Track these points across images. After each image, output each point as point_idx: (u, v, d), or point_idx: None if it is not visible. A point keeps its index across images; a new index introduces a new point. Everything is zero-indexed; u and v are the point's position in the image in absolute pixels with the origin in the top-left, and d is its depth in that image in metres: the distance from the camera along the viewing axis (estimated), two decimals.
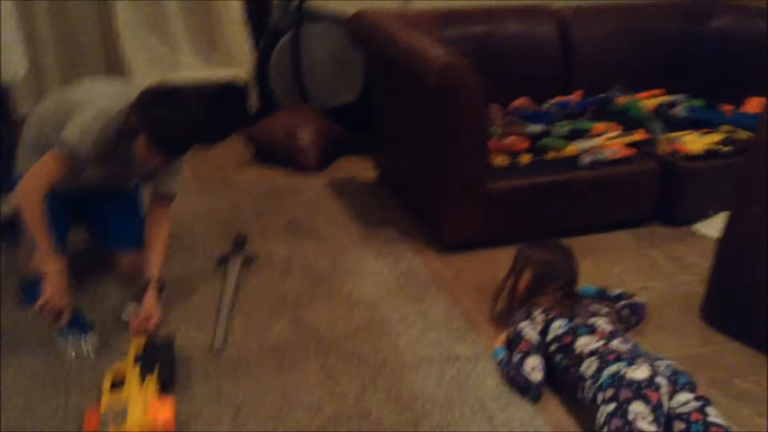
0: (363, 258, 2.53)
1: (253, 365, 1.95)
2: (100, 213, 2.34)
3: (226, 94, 3.64)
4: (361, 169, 3.33)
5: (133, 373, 1.79)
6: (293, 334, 2.09)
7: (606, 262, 2.55)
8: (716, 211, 2.71)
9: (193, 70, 3.77)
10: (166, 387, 1.80)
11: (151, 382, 1.76)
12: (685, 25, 3.42)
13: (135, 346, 1.90)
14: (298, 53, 3.54)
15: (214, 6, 3.70)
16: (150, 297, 2.08)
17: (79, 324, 2.02)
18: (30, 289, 2.10)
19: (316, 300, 2.27)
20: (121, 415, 1.66)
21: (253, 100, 3.79)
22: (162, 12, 3.71)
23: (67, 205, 2.22)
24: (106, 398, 1.72)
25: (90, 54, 3.67)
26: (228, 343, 2.04)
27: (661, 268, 2.53)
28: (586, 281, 2.30)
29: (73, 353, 1.98)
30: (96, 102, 2.01)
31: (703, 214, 2.83)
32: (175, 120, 1.94)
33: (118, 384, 1.77)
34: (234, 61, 3.79)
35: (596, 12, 3.38)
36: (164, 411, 1.70)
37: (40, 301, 1.90)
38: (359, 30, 2.96)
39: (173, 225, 2.26)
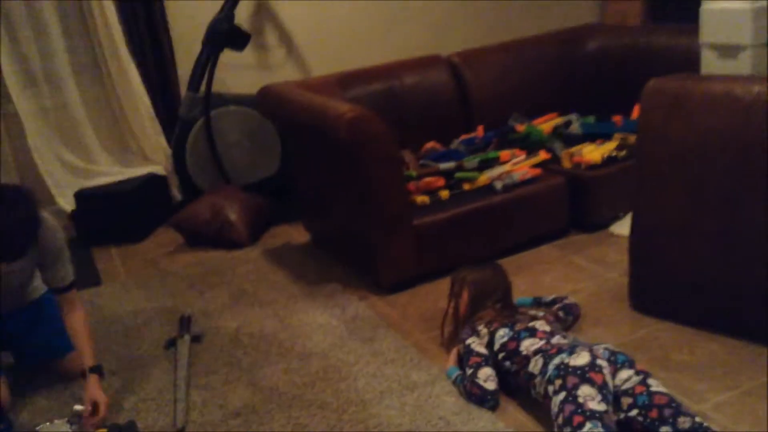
0: (309, 314, 2.60)
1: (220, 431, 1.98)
2: (18, 332, 2.32)
3: (147, 187, 3.70)
4: (293, 234, 3.43)
5: None
6: (253, 396, 2.13)
7: (535, 274, 2.70)
8: (626, 212, 2.92)
9: (110, 175, 3.83)
10: None
11: None
12: (564, 52, 3.73)
13: None
14: (212, 138, 3.65)
15: (123, 108, 3.80)
16: (91, 384, 2.08)
17: None
18: None
19: (270, 361, 2.31)
20: None
21: (175, 190, 3.86)
22: (71, 121, 3.78)
23: None
24: None
25: (5, 174, 3.68)
26: (190, 418, 2.06)
27: (586, 270, 2.70)
28: (521, 295, 2.45)
29: None
30: None
31: (615, 216, 3.05)
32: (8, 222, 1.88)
33: None
34: (150, 158, 3.88)
35: (482, 53, 3.65)
36: None
37: None
38: (268, 102, 3.11)
39: (116, 322, 2.29)
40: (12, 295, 2.26)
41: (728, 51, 2.47)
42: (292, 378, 2.19)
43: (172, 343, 2.45)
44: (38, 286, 2.36)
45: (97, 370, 2.13)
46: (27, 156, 3.63)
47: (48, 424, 2.03)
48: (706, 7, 2.54)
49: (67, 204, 3.64)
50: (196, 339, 2.48)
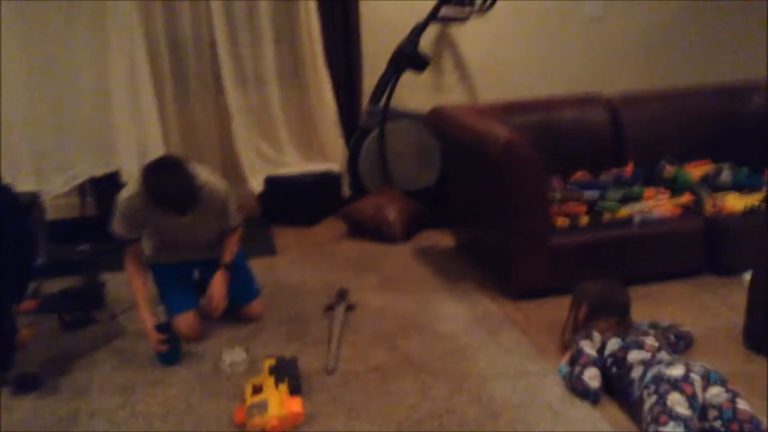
0: (445, 304, 2.99)
1: (360, 380, 2.41)
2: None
3: (323, 181, 4.27)
4: (441, 239, 3.84)
5: (269, 381, 2.27)
6: (391, 358, 2.55)
7: (659, 304, 2.90)
8: None
9: (294, 166, 4.46)
10: (293, 393, 2.27)
11: (284, 386, 2.25)
12: (725, 104, 3.85)
13: (268, 363, 2.39)
14: (383, 146, 4.16)
15: (313, 111, 4.41)
16: (218, 278, 2.71)
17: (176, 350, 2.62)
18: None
19: (407, 334, 2.73)
20: (263, 407, 2.14)
21: (346, 187, 4.41)
22: (269, 119, 4.44)
23: (183, 276, 2.88)
24: (249, 398, 2.21)
25: (209, 153, 4.40)
26: (339, 366, 2.51)
27: (709, 308, 2.86)
28: (641, 319, 2.67)
29: (228, 369, 2.51)
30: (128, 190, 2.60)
31: (751, 265, 3.16)
32: (165, 182, 2.42)
33: (257, 390, 2.26)
34: (329, 157, 4.46)
35: (643, 98, 3.87)
36: (295, 405, 2.17)
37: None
38: (436, 121, 3.55)
39: (287, 286, 2.94)
40: (206, 247, 2.85)
41: None
42: (424, 350, 2.59)
43: (330, 308, 2.94)
44: None
45: (227, 266, 2.73)
46: (230, 142, 4.34)
47: (230, 350, 2.57)
48: None
49: (257, 186, 4.28)
50: (349, 308, 2.95)
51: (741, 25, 4.70)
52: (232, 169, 4.29)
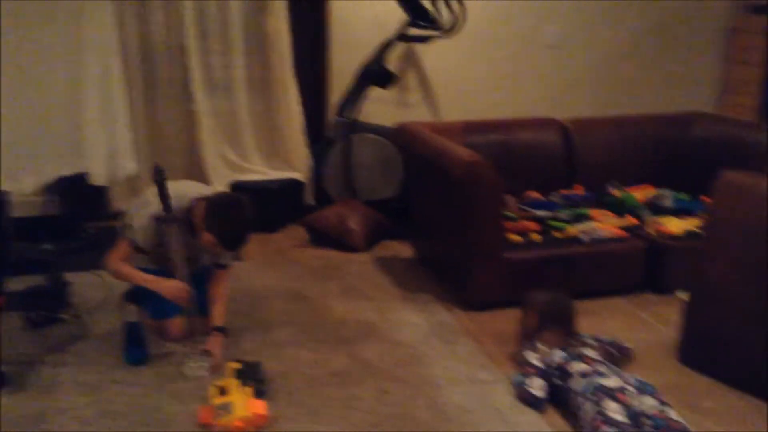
0: (404, 313, 3.14)
1: (322, 383, 2.54)
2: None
3: (287, 189, 4.39)
4: (401, 250, 3.99)
5: (234, 384, 2.38)
6: (350, 363, 2.68)
7: (602, 319, 3.11)
8: None
9: (259, 174, 4.56)
10: (258, 397, 2.38)
11: (248, 389, 2.36)
12: (670, 133, 4.11)
13: (233, 367, 2.49)
14: (348, 158, 4.29)
15: (279, 120, 4.52)
16: (214, 340, 2.70)
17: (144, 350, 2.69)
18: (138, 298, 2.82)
19: (368, 341, 2.87)
20: (228, 408, 2.25)
21: (309, 195, 4.53)
22: (236, 125, 4.53)
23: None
24: (214, 400, 2.31)
25: (176, 157, 4.46)
26: (300, 370, 2.63)
27: (647, 324, 3.08)
28: (584, 332, 2.86)
29: (191, 374, 2.59)
30: (151, 204, 2.66)
31: (687, 284, 3.39)
32: (237, 226, 2.60)
33: (222, 392, 2.36)
34: (293, 165, 4.57)
35: (594, 123, 4.10)
36: (260, 408, 2.29)
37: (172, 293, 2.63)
38: (402, 137, 3.71)
39: (251, 291, 2.95)
40: (197, 263, 2.91)
41: None
42: (383, 357, 2.74)
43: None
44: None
45: (221, 330, 2.75)
46: (196, 147, 4.41)
47: (194, 353, 2.67)
48: None
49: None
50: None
51: (691, 60, 5.00)
52: (197, 174, 4.36)
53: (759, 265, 2.44)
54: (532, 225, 3.42)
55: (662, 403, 2.19)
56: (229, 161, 4.56)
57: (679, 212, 3.62)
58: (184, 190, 2.75)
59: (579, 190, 3.87)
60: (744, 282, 2.49)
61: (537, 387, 2.43)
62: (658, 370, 2.68)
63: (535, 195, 3.83)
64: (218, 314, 2.80)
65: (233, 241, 2.64)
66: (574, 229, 3.40)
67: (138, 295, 2.93)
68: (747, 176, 2.56)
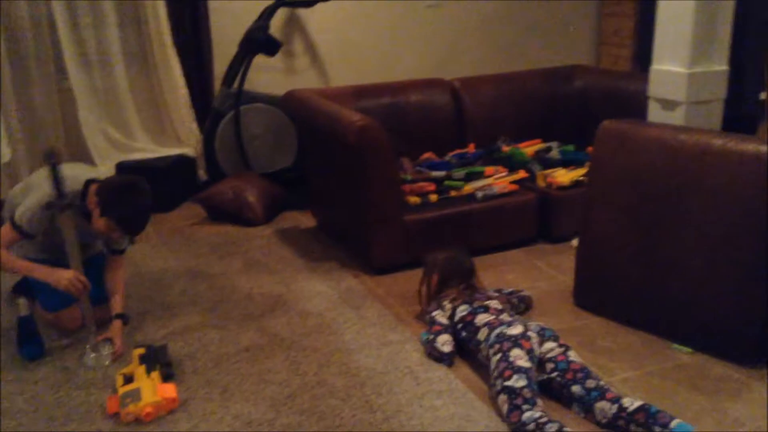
0: (310, 283, 3.13)
1: (232, 361, 2.50)
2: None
3: (178, 166, 4.24)
4: (302, 219, 3.96)
5: (140, 369, 2.31)
6: (260, 338, 2.66)
7: (501, 272, 3.23)
8: None
9: (146, 152, 4.38)
10: (166, 380, 2.32)
11: (156, 374, 2.29)
12: (553, 87, 4.27)
13: (138, 352, 2.41)
14: (239, 129, 4.19)
15: (163, 94, 4.34)
16: (115, 328, 2.61)
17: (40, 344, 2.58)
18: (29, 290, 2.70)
19: (276, 314, 2.84)
20: (136, 395, 2.18)
21: (202, 171, 4.40)
22: (117, 102, 4.32)
23: None
24: (121, 388, 2.24)
25: (54, 138, 4.20)
26: (210, 350, 2.58)
27: (544, 273, 3.23)
28: (486, 287, 2.96)
29: (93, 364, 2.49)
30: (42, 187, 2.51)
31: (577, 231, 3.57)
32: (137, 209, 2.50)
33: (128, 380, 2.29)
34: (183, 141, 4.42)
35: (481, 80, 4.20)
36: (169, 391, 2.23)
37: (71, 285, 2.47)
38: (292, 105, 3.65)
39: (149, 274, 2.86)
40: (89, 248, 2.81)
41: (668, 105, 3.00)
42: (293, 328, 2.72)
43: None
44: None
45: (121, 317, 2.66)
46: (76, 127, 4.17)
47: (94, 342, 2.55)
48: (654, 67, 3.07)
49: (109, 173, 4.16)
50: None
51: (569, 15, 5.18)
52: (79, 156, 4.14)
53: (640, 207, 2.59)
54: (429, 186, 3.48)
55: (562, 346, 2.31)
56: (114, 140, 4.35)
57: (567, 163, 3.78)
58: (76, 173, 2.60)
59: (472, 149, 3.96)
60: (627, 225, 2.65)
61: (444, 342, 2.49)
62: (556, 315, 2.82)
63: (430, 156, 3.89)
64: (117, 301, 2.70)
65: (134, 226, 2.53)
66: (469, 187, 3.49)
67: (28, 287, 2.78)
68: (626, 124, 2.70)
